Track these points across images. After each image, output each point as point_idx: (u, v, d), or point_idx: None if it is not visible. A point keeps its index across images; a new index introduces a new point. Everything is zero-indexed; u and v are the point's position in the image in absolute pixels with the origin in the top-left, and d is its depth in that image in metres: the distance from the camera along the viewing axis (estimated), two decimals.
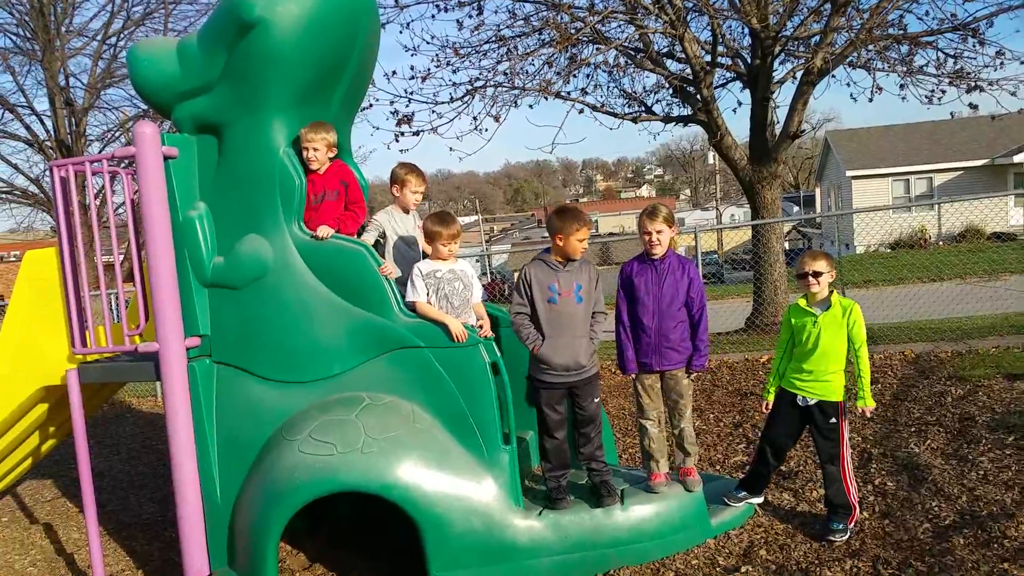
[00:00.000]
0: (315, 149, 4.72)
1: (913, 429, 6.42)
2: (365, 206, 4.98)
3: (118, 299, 5.23)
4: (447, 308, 4.59)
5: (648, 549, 4.51)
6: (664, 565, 4.47)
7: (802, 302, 4.81)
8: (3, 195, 18.86)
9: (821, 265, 4.70)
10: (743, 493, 5.05)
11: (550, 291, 4.52)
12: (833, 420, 4.71)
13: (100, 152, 17.60)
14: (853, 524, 4.72)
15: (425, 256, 4.93)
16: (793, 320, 4.85)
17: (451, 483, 4.32)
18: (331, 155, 4.85)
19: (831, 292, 4.75)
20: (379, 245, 4.93)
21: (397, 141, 11.83)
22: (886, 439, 6.25)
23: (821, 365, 4.67)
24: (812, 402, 4.72)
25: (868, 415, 4.94)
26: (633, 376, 4.88)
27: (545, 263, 4.59)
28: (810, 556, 4.47)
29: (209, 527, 4.73)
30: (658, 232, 4.71)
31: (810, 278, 4.71)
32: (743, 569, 4.36)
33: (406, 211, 5.11)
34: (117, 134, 17.91)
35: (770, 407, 4.97)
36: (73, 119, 17.14)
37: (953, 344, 9.31)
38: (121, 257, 14.76)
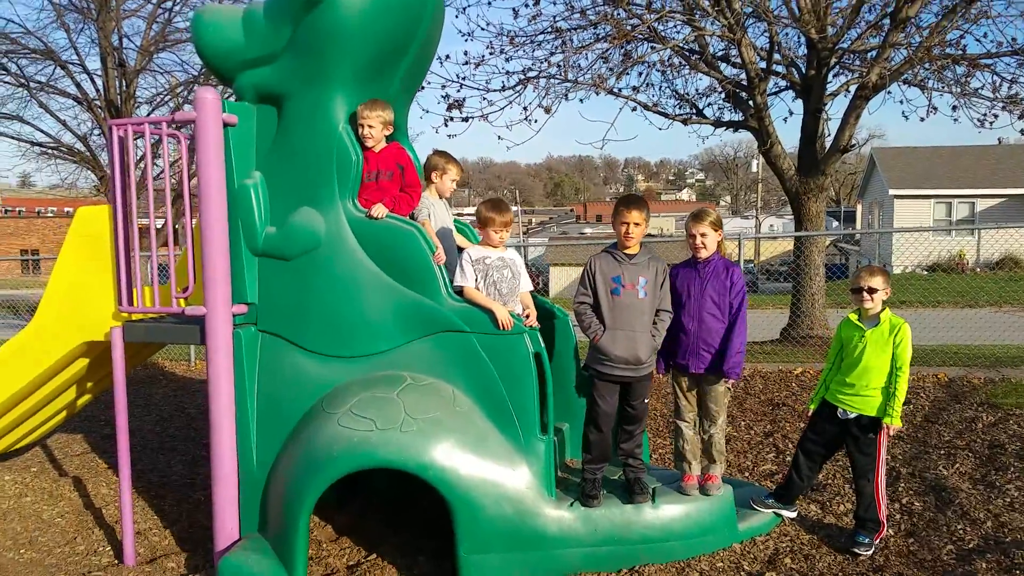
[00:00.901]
0: (370, 126, 4.74)
1: (942, 452, 6.38)
2: (420, 190, 5.01)
3: (155, 263, 5.28)
4: (495, 295, 4.61)
5: (675, 548, 4.51)
6: (689, 565, 4.47)
7: (853, 316, 4.79)
8: (50, 150, 19.10)
9: (878, 282, 4.67)
10: (772, 500, 5.04)
11: (614, 282, 4.54)
12: (871, 435, 4.69)
13: (148, 114, 17.81)
14: (879, 540, 4.70)
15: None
16: (843, 333, 4.84)
17: (486, 468, 4.34)
18: (387, 133, 4.86)
19: (883, 309, 4.71)
20: None
21: (446, 126, 11.85)
22: (915, 460, 6.22)
23: (864, 380, 4.65)
24: (852, 415, 4.71)
25: (893, 433, 4.90)
26: (671, 377, 4.89)
27: (611, 255, 4.60)
28: (834, 568, 4.45)
29: (242, 492, 4.79)
30: (703, 235, 4.71)
31: (864, 293, 4.68)
32: (767, 575, 4.35)
33: (441, 198, 5.17)
34: (167, 98, 18.08)
35: (811, 415, 4.95)
36: (124, 80, 17.31)
37: (986, 371, 9.23)
38: (160, 223, 14.94)
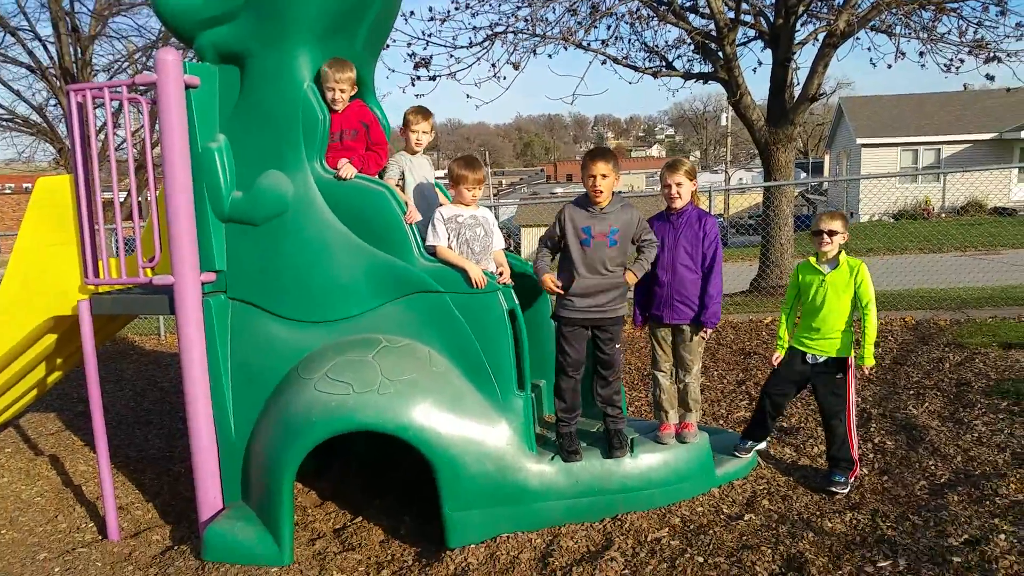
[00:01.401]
0: (341, 90, 4.66)
1: (912, 392, 6.56)
2: (387, 148, 4.94)
3: (120, 232, 5.15)
4: (467, 254, 4.58)
5: (655, 496, 4.57)
6: (671, 511, 4.54)
7: (812, 260, 4.85)
8: (4, 122, 18.53)
9: (837, 224, 4.72)
10: (749, 443, 5.15)
11: (583, 233, 4.52)
12: (840, 375, 4.81)
13: (107, 81, 17.34)
14: (854, 479, 4.82)
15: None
16: (801, 277, 4.90)
17: (466, 426, 4.35)
18: (352, 93, 4.79)
19: (840, 252, 4.79)
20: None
21: (413, 85, 11.71)
22: (886, 400, 6.38)
23: (828, 323, 4.74)
24: (821, 359, 4.80)
25: (867, 373, 5.04)
26: (648, 329, 4.93)
27: (583, 207, 4.57)
28: (811, 507, 4.55)
29: (222, 462, 4.77)
30: (678, 185, 4.70)
31: (824, 236, 4.73)
32: (746, 517, 4.43)
33: (413, 153, 5.08)
34: (125, 65, 17.59)
35: (779, 360, 5.02)
36: (78, 47, 16.77)
37: (951, 313, 9.49)
38: (124, 193, 14.62)
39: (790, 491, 4.79)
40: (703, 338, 4.84)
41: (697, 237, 4.70)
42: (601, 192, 4.48)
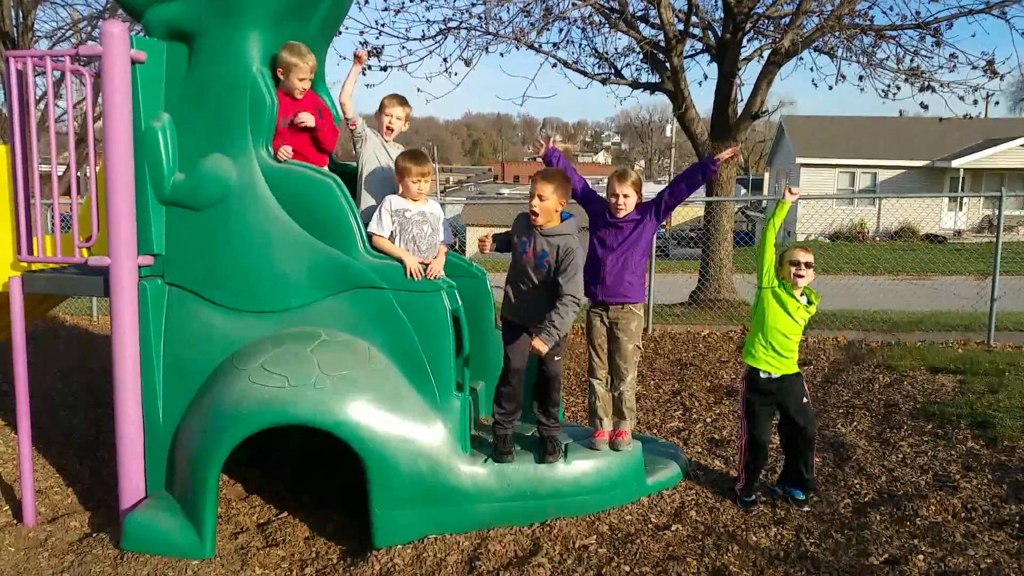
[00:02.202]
0: (310, 79, 4.66)
1: (841, 411, 6.74)
2: (336, 137, 4.91)
3: (57, 209, 4.99)
4: (413, 250, 4.57)
5: (586, 502, 4.62)
6: (599, 519, 4.59)
7: (786, 294, 4.78)
8: None
9: (810, 258, 4.82)
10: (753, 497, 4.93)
11: (519, 245, 4.62)
12: (799, 389, 4.88)
13: (50, 49, 16.78)
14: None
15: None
16: (780, 303, 4.79)
17: (401, 425, 4.33)
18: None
19: None
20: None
21: (363, 75, 11.58)
22: (815, 418, 6.51)
23: (791, 347, 4.84)
24: (777, 376, 4.80)
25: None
26: (585, 337, 5.02)
27: (528, 221, 4.59)
28: (737, 520, 4.65)
29: (148, 449, 4.65)
30: (625, 196, 4.78)
31: (803, 268, 4.77)
32: (673, 528, 4.51)
33: (387, 139, 5.06)
34: (68, 33, 17.02)
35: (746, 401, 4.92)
36: (20, 11, 16.18)
37: (883, 335, 9.78)
38: (63, 168, 14.16)
39: (718, 503, 4.88)
40: (639, 347, 4.92)
41: (646, 227, 4.86)
42: (536, 214, 4.50)
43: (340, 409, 4.24)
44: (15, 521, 5.08)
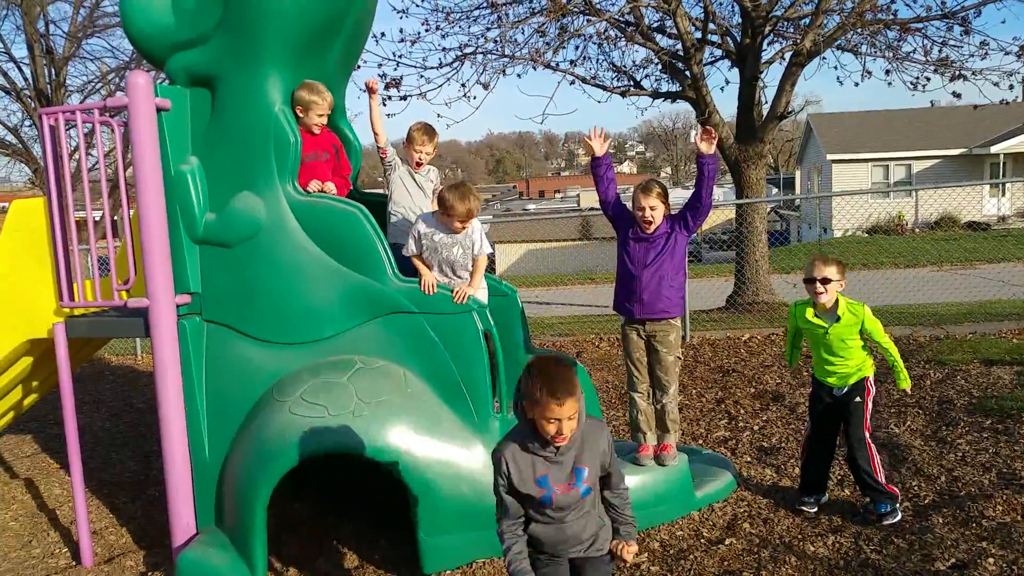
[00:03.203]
0: (326, 116, 4.78)
1: (893, 410, 6.55)
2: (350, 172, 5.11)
3: (95, 255, 5.14)
4: (447, 273, 4.60)
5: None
6: (650, 536, 4.53)
7: (809, 312, 4.58)
8: None
9: (832, 271, 4.41)
10: (812, 499, 4.85)
11: (540, 486, 2.96)
12: (859, 399, 4.60)
13: (80, 103, 17.25)
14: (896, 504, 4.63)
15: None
16: (801, 325, 4.68)
17: (442, 449, 4.33)
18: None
19: (837, 299, 4.51)
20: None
21: (384, 105, 11.71)
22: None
23: (842, 362, 4.56)
24: (845, 389, 4.60)
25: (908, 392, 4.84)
26: (623, 350, 4.96)
27: (525, 446, 2.98)
28: (793, 531, 4.55)
29: (197, 486, 4.71)
30: (652, 209, 4.68)
31: (818, 284, 4.42)
32: (727, 541, 4.43)
33: (415, 168, 5.14)
34: (98, 86, 17.51)
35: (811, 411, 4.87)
36: (53, 68, 16.72)
37: (931, 329, 9.50)
38: (98, 214, 14.50)
39: (771, 513, 4.78)
40: (679, 358, 4.85)
41: (679, 240, 4.76)
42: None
43: (380, 436, 4.25)
44: (74, 563, 5.19)
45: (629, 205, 4.88)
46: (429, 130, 5.12)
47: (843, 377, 4.59)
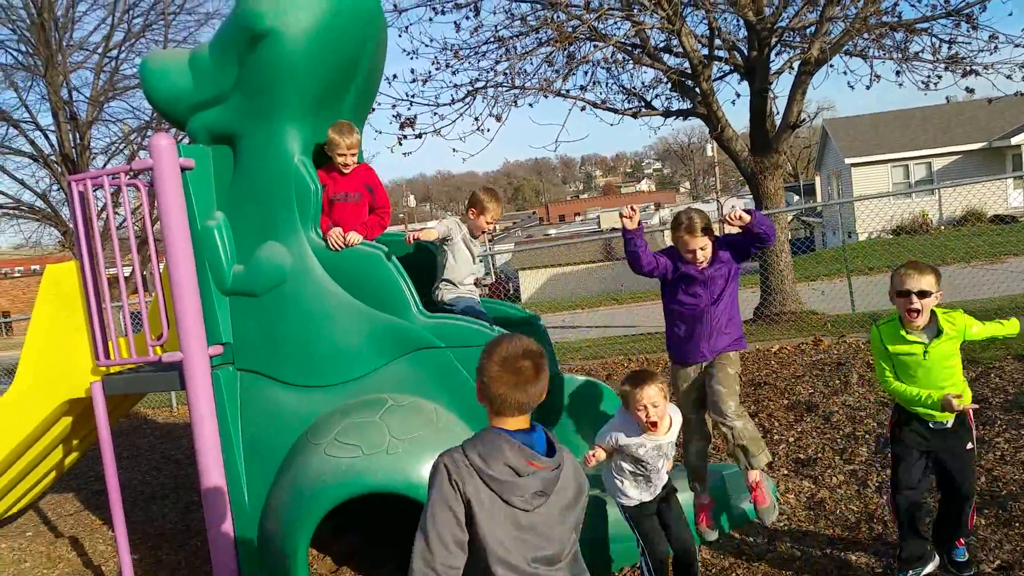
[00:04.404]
0: (352, 155, 4.85)
1: None
2: (390, 210, 5.08)
3: (127, 313, 5.27)
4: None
5: None
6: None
7: (898, 332, 3.83)
8: (10, 211, 18.90)
9: (930, 282, 3.69)
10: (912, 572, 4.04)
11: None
12: (968, 441, 3.89)
13: (105, 164, 17.68)
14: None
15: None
16: (893, 350, 3.86)
17: None
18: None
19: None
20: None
21: (400, 144, 11.93)
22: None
23: (945, 388, 3.79)
24: (946, 423, 3.82)
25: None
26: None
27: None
28: (835, 542, 4.53)
29: (238, 533, 4.79)
30: (702, 249, 4.21)
31: (914, 299, 3.68)
32: (768, 557, 4.42)
33: (474, 236, 5.01)
34: (121, 146, 17.98)
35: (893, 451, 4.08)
36: (77, 133, 17.20)
37: None
38: (128, 270, 14.81)
39: (811, 525, 4.77)
40: (738, 376, 4.33)
41: (731, 271, 4.32)
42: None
43: (415, 472, 4.29)
44: None
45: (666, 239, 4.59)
46: (495, 194, 5.03)
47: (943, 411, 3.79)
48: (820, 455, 5.92)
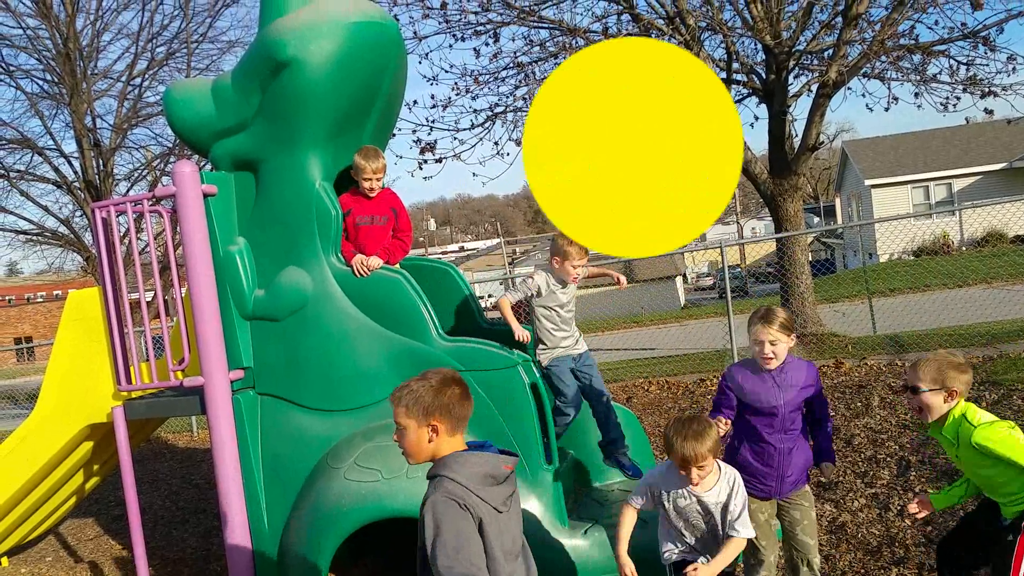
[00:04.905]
0: (378, 179, 4.91)
1: None
2: (412, 233, 5.11)
3: (149, 338, 5.33)
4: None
5: None
6: None
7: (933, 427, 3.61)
8: (34, 237, 19.17)
9: (926, 372, 3.45)
10: None
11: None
12: (1011, 537, 3.47)
13: (128, 190, 17.90)
14: None
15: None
16: (939, 439, 3.62)
17: None
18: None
19: (951, 409, 3.47)
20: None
21: (420, 168, 12.03)
22: (923, 446, 6.24)
23: (992, 488, 3.51)
24: (1007, 521, 3.50)
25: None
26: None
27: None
28: (855, 565, 4.49)
29: (258, 557, 4.80)
30: (772, 344, 3.81)
31: (910, 394, 3.51)
32: None
33: (562, 284, 4.88)
34: (144, 173, 18.21)
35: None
36: (101, 160, 17.43)
37: (983, 349, 9.25)
38: (151, 295, 14.96)
39: (832, 549, 4.72)
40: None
41: (805, 392, 3.94)
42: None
43: None
44: None
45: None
46: (584, 247, 4.69)
47: (1006, 505, 3.47)
48: (841, 478, 5.87)
